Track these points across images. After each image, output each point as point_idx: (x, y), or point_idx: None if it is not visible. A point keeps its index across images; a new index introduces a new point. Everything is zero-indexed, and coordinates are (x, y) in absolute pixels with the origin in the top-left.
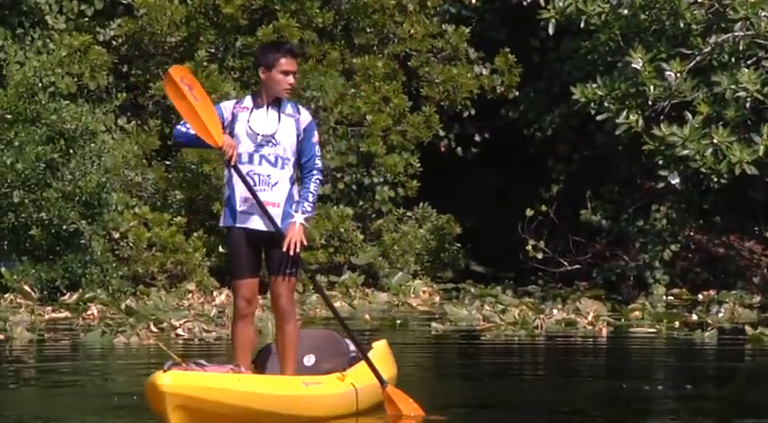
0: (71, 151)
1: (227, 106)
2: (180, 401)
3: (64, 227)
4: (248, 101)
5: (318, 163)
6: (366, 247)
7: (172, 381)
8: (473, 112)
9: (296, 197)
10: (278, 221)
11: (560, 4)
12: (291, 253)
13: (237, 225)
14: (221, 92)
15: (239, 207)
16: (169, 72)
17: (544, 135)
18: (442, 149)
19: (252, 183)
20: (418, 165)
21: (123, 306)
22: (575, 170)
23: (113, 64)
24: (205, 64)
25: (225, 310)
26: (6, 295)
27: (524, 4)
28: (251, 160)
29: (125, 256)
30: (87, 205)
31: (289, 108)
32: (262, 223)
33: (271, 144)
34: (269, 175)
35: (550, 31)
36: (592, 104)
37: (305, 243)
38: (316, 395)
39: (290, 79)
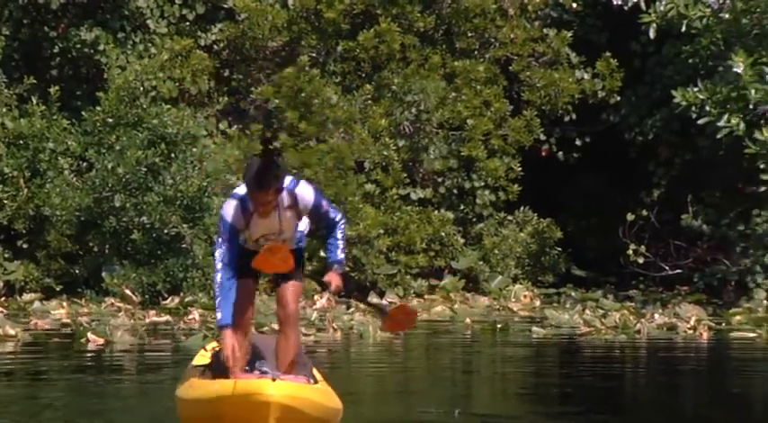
0: (172, 155)
1: (237, 218)
2: (282, 412)
3: (165, 231)
4: (251, 203)
5: (338, 217)
6: (467, 251)
7: (277, 391)
8: (574, 116)
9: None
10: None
11: (662, 8)
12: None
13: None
14: (323, 96)
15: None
16: None
17: (645, 139)
18: (543, 154)
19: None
20: (519, 169)
21: None
22: (676, 174)
23: (215, 68)
24: (307, 68)
25: (326, 314)
26: (107, 299)
27: (625, 8)
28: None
29: None
30: (188, 209)
31: (287, 199)
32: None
33: (274, 237)
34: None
35: (651, 35)
36: (693, 108)
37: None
38: (339, 405)
39: (264, 207)
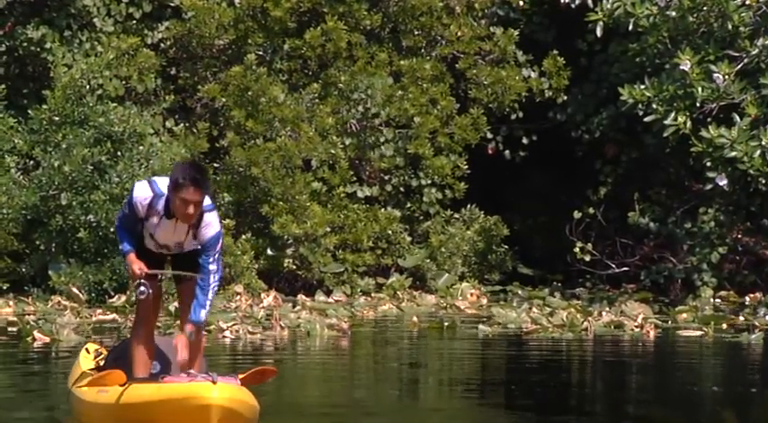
0: (119, 153)
1: (143, 203)
2: (223, 414)
3: (111, 229)
4: (162, 204)
5: (217, 275)
6: (413, 249)
7: (220, 393)
8: (521, 114)
9: None
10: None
11: (608, 6)
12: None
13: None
14: (270, 95)
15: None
16: None
17: (592, 137)
18: (490, 152)
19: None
20: (466, 167)
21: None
22: (622, 172)
23: (161, 66)
24: (253, 67)
25: (273, 312)
26: (54, 297)
27: (572, 6)
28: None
29: None
30: None
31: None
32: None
33: (176, 249)
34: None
35: (598, 33)
36: (640, 106)
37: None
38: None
39: (190, 209)
